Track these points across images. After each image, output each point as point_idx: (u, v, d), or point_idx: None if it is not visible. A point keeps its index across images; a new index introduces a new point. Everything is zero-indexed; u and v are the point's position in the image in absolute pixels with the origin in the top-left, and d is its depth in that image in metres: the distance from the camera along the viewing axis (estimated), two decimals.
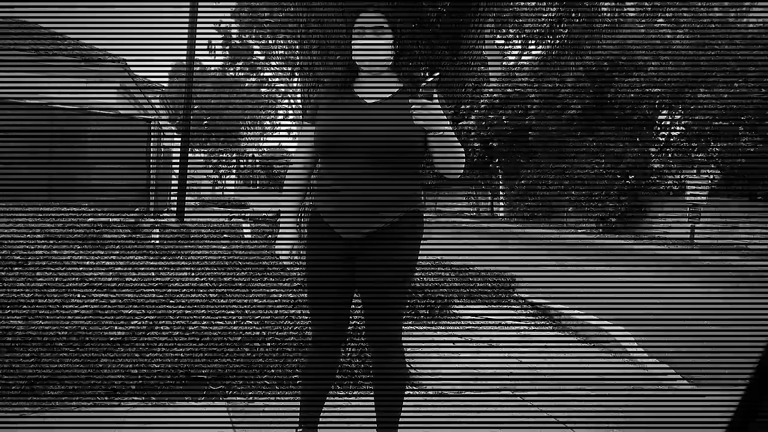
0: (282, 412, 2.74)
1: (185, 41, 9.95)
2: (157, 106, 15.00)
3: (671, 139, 17.31)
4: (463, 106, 19.06)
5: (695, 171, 15.71)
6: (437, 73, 1.93)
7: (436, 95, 1.94)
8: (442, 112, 1.93)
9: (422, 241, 2.13)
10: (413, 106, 1.89)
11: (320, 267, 2.11)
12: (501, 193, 21.80)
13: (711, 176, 15.40)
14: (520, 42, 21.03)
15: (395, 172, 2.01)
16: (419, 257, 2.14)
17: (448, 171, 2.07)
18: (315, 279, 2.12)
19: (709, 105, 15.15)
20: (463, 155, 2.07)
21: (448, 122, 2.03)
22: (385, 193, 2.00)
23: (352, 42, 2.05)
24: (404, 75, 2.11)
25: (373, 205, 1.99)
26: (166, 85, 22.92)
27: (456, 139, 2.03)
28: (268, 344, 3.25)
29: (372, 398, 2.23)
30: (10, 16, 13.17)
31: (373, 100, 2.07)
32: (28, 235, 5.37)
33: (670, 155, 17.20)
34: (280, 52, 25.12)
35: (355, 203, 1.99)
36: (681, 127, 16.93)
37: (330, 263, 2.08)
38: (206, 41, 28.69)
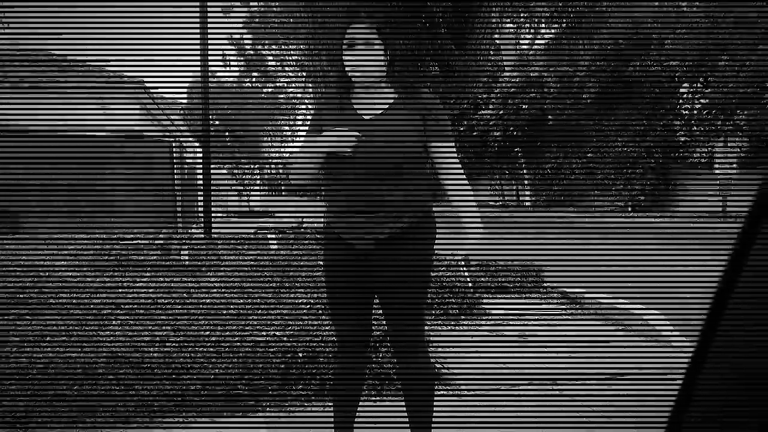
0: (318, 420, 2.78)
1: (199, 54, 10.08)
2: (178, 123, 15.20)
3: (695, 112, 16.98)
4: (479, 96, 18.95)
5: (723, 142, 15.39)
6: None
7: (436, 104, 2.00)
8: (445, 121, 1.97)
9: (447, 238, 2.15)
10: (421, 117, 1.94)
11: (338, 277, 2.13)
12: (525, 180, 21.62)
13: (740, 146, 15.08)
14: (532, 26, 20.83)
15: (401, 180, 2.02)
16: (437, 256, 2.16)
17: (447, 178, 2.11)
18: (335, 289, 2.16)
19: (732, 73, 14.83)
20: (462, 171, 2.10)
21: (450, 130, 2.08)
22: (395, 202, 2.02)
23: (344, 55, 2.06)
24: (399, 84, 2.11)
25: (384, 214, 2.02)
26: (185, 101, 23.22)
27: (454, 151, 2.08)
28: (300, 354, 3.29)
29: (402, 401, 2.26)
30: (28, 46, 13.48)
31: (371, 115, 2.09)
32: (60, 262, 5.50)
33: (695, 128, 16.88)
34: (293, 58, 25.26)
35: (365, 214, 2.02)
36: (704, 99, 16.59)
37: (347, 273, 2.11)
38: (220, 53, 29.02)
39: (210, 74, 10.22)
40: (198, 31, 10.05)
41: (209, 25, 10.09)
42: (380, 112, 2.09)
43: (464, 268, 2.05)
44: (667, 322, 4.37)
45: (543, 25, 20.47)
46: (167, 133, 13.52)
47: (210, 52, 9.96)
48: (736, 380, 0.53)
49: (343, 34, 2.06)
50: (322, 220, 2.22)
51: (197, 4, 10.07)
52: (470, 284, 1.86)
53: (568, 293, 5.49)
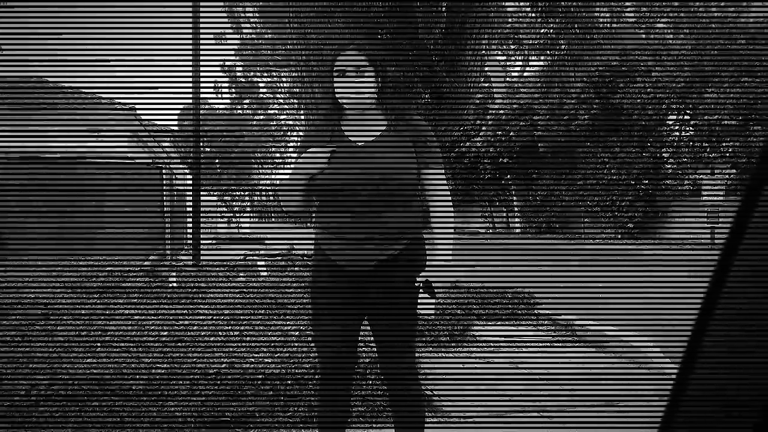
0: None
1: (190, 80, 10.13)
2: (168, 150, 15.21)
3: (682, 141, 17.21)
4: (470, 124, 19.12)
5: (710, 171, 15.57)
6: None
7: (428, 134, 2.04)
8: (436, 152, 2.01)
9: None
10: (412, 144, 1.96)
11: (327, 301, 2.11)
12: (515, 207, 21.72)
13: (726, 175, 15.25)
14: (520, 57, 21.15)
15: (393, 206, 2.02)
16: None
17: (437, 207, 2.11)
18: (321, 314, 2.13)
19: (718, 104, 15.07)
20: (450, 204, 2.10)
21: (440, 162, 2.09)
22: (386, 228, 2.01)
23: (334, 82, 2.07)
24: (390, 111, 2.12)
25: (376, 239, 2.00)
26: (175, 128, 23.26)
27: (444, 181, 2.09)
28: (289, 381, 3.24)
29: (393, 428, 2.22)
30: (20, 73, 13.50)
31: (363, 140, 2.09)
32: (47, 288, 5.43)
33: (682, 157, 17.08)
34: (285, 86, 25.45)
35: (358, 238, 2.01)
36: (690, 129, 16.83)
37: (336, 298, 2.09)
38: (212, 80, 29.20)
39: (201, 101, 10.25)
40: (190, 57, 10.12)
41: (201, 52, 10.16)
42: (371, 138, 2.09)
43: (421, 292, 2.03)
44: (657, 349, 4.36)
45: (532, 55, 20.78)
46: (157, 159, 13.51)
47: (202, 79, 10.00)
48: (729, 379, 0.53)
49: (334, 62, 2.07)
50: (312, 245, 2.21)
51: (190, 30, 10.16)
52: (427, 309, 1.84)
53: (558, 320, 5.47)
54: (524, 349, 4.56)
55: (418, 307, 2.05)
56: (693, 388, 0.56)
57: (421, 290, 2.06)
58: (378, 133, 2.10)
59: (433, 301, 2.07)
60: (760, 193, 0.53)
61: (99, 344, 3.75)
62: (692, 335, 0.56)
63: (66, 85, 13.34)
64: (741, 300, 0.53)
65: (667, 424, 0.58)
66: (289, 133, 28.41)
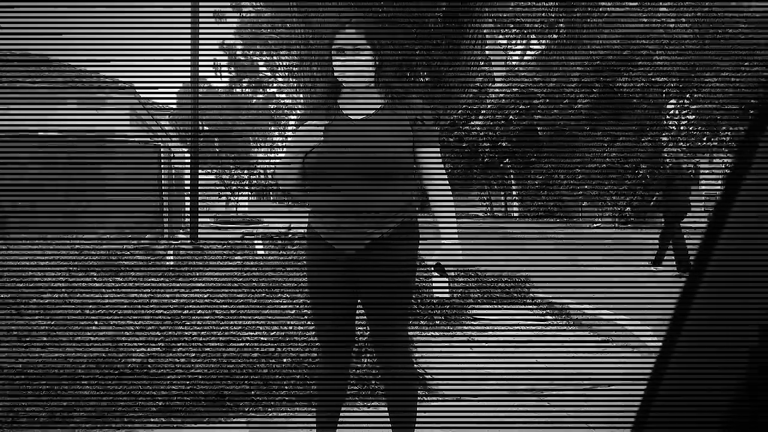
0: (301, 426, 2.77)
1: (189, 59, 10.07)
2: (167, 129, 15.15)
3: (681, 127, 17.17)
4: (468, 108, 19.06)
5: (708, 158, 15.57)
6: None
7: (424, 114, 2.05)
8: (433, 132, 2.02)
9: (424, 243, 2.16)
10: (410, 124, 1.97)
11: (321, 282, 2.13)
12: (514, 191, 21.73)
13: (724, 162, 15.26)
14: (522, 39, 21.02)
15: (386, 184, 2.03)
16: (420, 262, 2.17)
17: (433, 188, 2.13)
18: (318, 294, 2.16)
19: (718, 90, 15.02)
20: (448, 185, 2.11)
21: (437, 140, 2.10)
22: (379, 206, 2.02)
23: (333, 60, 2.08)
24: (387, 89, 2.13)
25: (369, 218, 2.02)
26: (174, 107, 23.14)
27: (440, 162, 2.10)
28: (284, 359, 3.28)
29: (385, 407, 2.25)
30: (18, 48, 13.40)
31: (359, 117, 2.10)
32: (45, 266, 5.45)
33: (681, 143, 17.06)
34: (284, 66, 25.29)
35: (350, 217, 2.02)
36: (691, 115, 16.79)
37: (331, 278, 2.11)
38: (211, 61, 29.01)
39: (200, 79, 10.21)
40: (189, 35, 10.05)
41: (200, 30, 10.09)
42: (368, 114, 2.10)
43: (435, 275, 2.05)
44: (652, 333, 4.40)
45: (533, 38, 20.66)
46: (155, 137, 13.47)
47: (201, 57, 9.97)
48: (700, 379, 0.54)
49: (333, 40, 2.08)
50: (306, 224, 2.22)
51: (188, 7, 10.07)
52: (441, 291, 1.87)
53: (553, 303, 5.51)
54: (519, 332, 4.60)
55: (433, 289, 2.08)
56: (666, 387, 0.57)
57: (434, 273, 2.08)
58: (374, 110, 2.11)
59: (446, 281, 2.09)
60: (738, 189, 0.54)
61: (96, 321, 3.78)
62: (667, 335, 0.57)
63: (64, 61, 13.26)
64: (716, 300, 0.54)
65: (640, 425, 0.59)
66: (288, 112, 28.30)
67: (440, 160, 2.14)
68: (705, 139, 16.05)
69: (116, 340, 3.45)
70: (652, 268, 8.52)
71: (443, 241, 2.10)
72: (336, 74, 2.09)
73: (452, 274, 5.36)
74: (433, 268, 2.08)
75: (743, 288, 0.52)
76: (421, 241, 2.17)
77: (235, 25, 25.79)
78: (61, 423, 2.80)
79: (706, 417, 0.53)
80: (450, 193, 2.15)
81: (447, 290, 2.10)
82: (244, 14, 24.48)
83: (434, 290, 2.09)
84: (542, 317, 5.09)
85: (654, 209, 8.71)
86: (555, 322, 5.00)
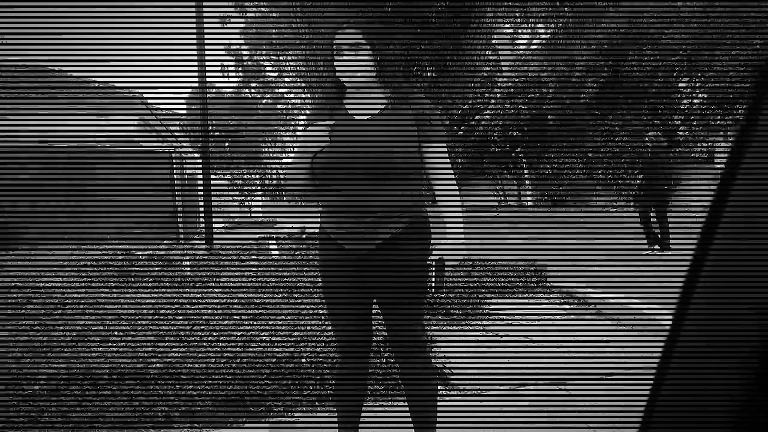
0: (323, 424, 2.78)
1: (196, 64, 10.13)
2: (177, 135, 15.24)
3: (694, 107, 16.98)
4: (476, 99, 18.98)
5: (722, 137, 15.39)
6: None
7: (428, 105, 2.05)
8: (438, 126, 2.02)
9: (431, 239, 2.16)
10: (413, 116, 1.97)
11: (335, 283, 2.14)
12: (527, 180, 21.62)
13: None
14: (528, 26, 20.87)
15: (395, 184, 2.03)
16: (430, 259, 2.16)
17: (439, 181, 2.12)
18: (332, 296, 2.16)
19: (729, 68, 14.83)
20: (451, 172, 2.11)
21: (443, 135, 2.10)
22: (388, 205, 2.02)
23: (334, 60, 2.09)
24: (390, 87, 2.13)
25: (379, 218, 2.02)
26: (184, 112, 23.27)
27: (446, 156, 2.09)
28: (304, 361, 3.29)
29: (406, 405, 2.25)
30: (26, 61, 13.54)
31: (364, 116, 2.10)
32: (63, 277, 5.51)
33: (694, 124, 16.87)
34: (291, 67, 25.34)
35: (361, 217, 2.02)
36: (703, 94, 16.58)
37: (344, 279, 2.11)
38: (219, 65, 29.12)
39: (208, 84, 10.26)
40: (195, 41, 10.10)
41: (206, 35, 10.13)
42: (373, 114, 2.10)
43: (435, 270, 2.05)
44: (667, 317, 4.36)
45: (539, 25, 20.50)
46: (166, 144, 13.56)
47: (207, 62, 10.01)
48: (706, 374, 0.54)
49: (333, 40, 2.08)
50: (317, 223, 2.23)
51: (193, 12, 10.10)
52: (441, 290, 1.88)
53: (571, 292, 5.48)
54: (537, 322, 4.57)
55: (431, 284, 2.08)
56: (670, 386, 0.57)
57: (433, 269, 2.08)
58: (378, 110, 2.11)
59: (442, 277, 2.09)
60: (733, 184, 0.53)
61: (114, 330, 3.81)
62: (669, 333, 0.57)
63: (74, 73, 13.38)
64: (717, 296, 0.54)
65: (646, 425, 0.59)
66: (296, 113, 28.34)
67: (447, 158, 2.13)
68: (718, 118, 15.85)
69: (135, 347, 3.48)
70: (658, 251, 8.59)
71: (448, 239, 2.10)
72: (338, 74, 2.09)
73: (451, 271, 5.34)
74: (434, 264, 2.08)
75: (747, 284, 0.52)
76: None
77: (240, 28, 25.87)
78: (80, 429, 2.84)
79: (712, 417, 0.53)
80: (457, 190, 2.14)
81: (442, 287, 2.11)
82: (248, 16, 24.55)
83: (433, 287, 2.10)
84: (561, 307, 5.06)
85: (638, 192, 8.86)
86: (574, 312, 4.96)
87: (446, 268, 2.09)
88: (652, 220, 8.66)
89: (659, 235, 8.59)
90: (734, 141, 0.54)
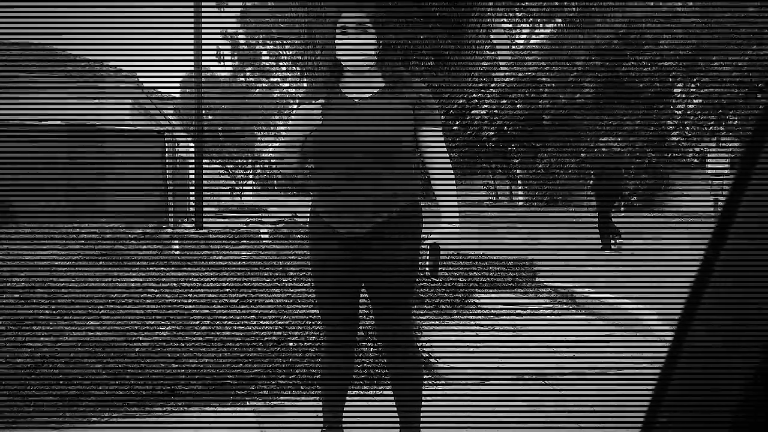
0: (307, 413, 2.77)
1: (193, 49, 10.05)
2: (170, 117, 15.14)
3: (688, 112, 17.06)
4: (473, 94, 18.98)
5: (715, 142, 15.47)
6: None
7: (426, 93, 2.03)
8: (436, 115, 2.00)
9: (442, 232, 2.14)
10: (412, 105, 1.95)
11: (325, 267, 2.11)
12: (519, 179, 21.66)
13: (732, 146, 15.15)
14: (527, 24, 20.87)
15: (389, 167, 2.01)
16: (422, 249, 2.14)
17: (436, 173, 2.10)
18: (321, 279, 2.13)
19: (723, 74, 14.90)
20: (450, 167, 2.09)
21: (440, 126, 2.09)
22: (382, 188, 2.00)
23: (336, 40, 2.05)
24: (390, 72, 2.10)
25: (372, 201, 2.00)
26: (177, 94, 23.12)
27: (444, 146, 2.08)
28: (291, 345, 3.27)
29: (391, 393, 2.24)
30: (19, 39, 13.38)
31: (361, 98, 2.08)
32: (50, 254, 5.46)
33: (688, 128, 16.96)
34: (287, 53, 25.23)
35: (354, 200, 2.00)
36: (697, 99, 16.66)
37: (334, 262, 2.09)
38: (214, 48, 28.95)
39: (203, 70, 10.19)
40: (192, 26, 10.03)
41: (203, 21, 10.06)
42: (369, 95, 2.07)
43: (430, 254, 2.04)
44: (659, 320, 4.38)
45: (538, 23, 20.50)
46: (160, 128, 13.47)
47: (204, 48, 9.95)
48: (709, 378, 0.54)
49: (336, 20, 2.05)
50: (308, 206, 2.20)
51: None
52: (432, 271, 1.87)
53: (560, 290, 5.49)
54: (524, 317, 4.58)
55: (423, 268, 2.07)
56: (674, 386, 0.57)
57: (427, 252, 2.06)
58: (376, 92, 2.08)
59: (437, 261, 2.08)
60: (747, 185, 0.53)
61: (102, 309, 3.78)
62: (676, 333, 0.57)
63: (69, 51, 13.25)
64: (725, 297, 0.53)
65: (649, 425, 0.59)
66: (291, 100, 28.24)
67: (442, 140, 2.11)
68: (712, 124, 15.94)
69: (124, 325, 3.45)
70: (614, 246, 8.85)
71: (443, 222, 2.08)
72: (339, 54, 2.06)
73: (446, 255, 5.33)
74: (428, 247, 2.06)
75: (753, 285, 0.51)
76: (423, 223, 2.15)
77: (237, 13, 25.70)
78: (67, 407, 2.81)
79: (715, 417, 0.53)
80: (452, 173, 2.12)
81: (437, 271, 2.09)
82: (246, 2, 24.40)
83: (426, 269, 2.08)
84: (550, 304, 5.07)
85: (588, 192, 9.24)
86: (562, 308, 4.98)
87: (440, 253, 2.08)
88: (605, 218, 8.95)
89: (610, 233, 8.87)
90: (749, 141, 0.53)
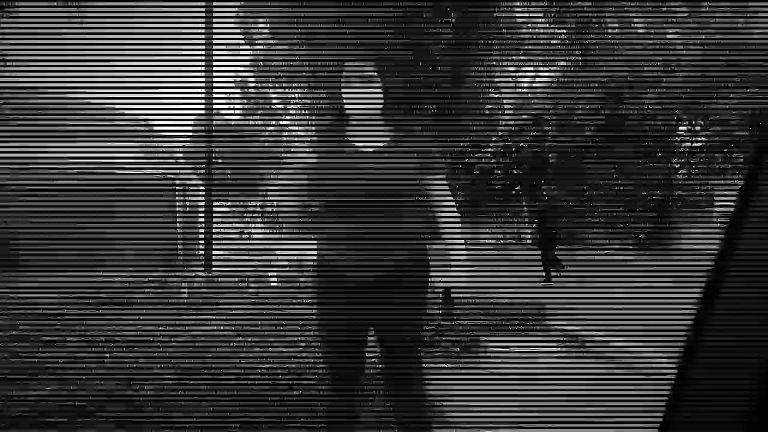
0: None
1: (203, 96, 10.25)
2: (181, 162, 15.33)
3: (693, 151, 17.11)
4: (478, 135, 19.12)
5: (721, 181, 15.48)
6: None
7: (429, 141, 2.09)
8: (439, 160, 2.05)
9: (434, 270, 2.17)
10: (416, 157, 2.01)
11: (332, 312, 2.13)
12: (526, 218, 21.65)
13: (739, 185, 15.13)
14: (532, 65, 21.14)
15: (397, 215, 2.05)
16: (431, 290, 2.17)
17: (442, 215, 2.14)
18: (328, 324, 2.15)
19: (727, 113, 15.00)
20: (454, 206, 2.13)
21: (444, 172, 2.13)
22: (390, 235, 2.04)
23: (342, 90, 2.10)
24: (395, 121, 2.16)
25: (380, 247, 2.03)
26: (188, 140, 23.44)
27: (449, 193, 2.12)
28: (296, 392, 3.27)
29: None
30: (32, 85, 13.67)
31: (368, 147, 2.12)
32: (61, 299, 5.50)
33: (694, 167, 16.99)
34: (296, 99, 25.60)
35: (361, 246, 2.03)
36: (702, 138, 16.73)
37: (341, 308, 2.11)
38: (225, 94, 29.43)
39: (214, 114, 10.38)
40: (203, 70, 10.24)
41: (214, 64, 10.28)
42: (375, 146, 2.12)
43: (442, 299, 2.07)
44: (668, 362, 4.33)
45: (541, 66, 20.78)
46: (169, 173, 13.62)
47: (214, 92, 10.14)
48: (721, 379, 0.55)
49: (342, 70, 2.10)
50: (317, 254, 2.22)
51: (203, 44, 10.25)
52: (447, 317, 1.89)
53: (569, 332, 5.45)
54: (533, 360, 4.55)
55: (440, 315, 2.10)
56: (691, 388, 0.58)
57: (441, 300, 2.09)
58: (382, 142, 2.13)
59: (452, 307, 2.10)
60: (756, 192, 0.55)
61: (108, 354, 3.80)
62: (690, 336, 0.58)
63: (80, 97, 13.52)
64: (737, 300, 0.55)
65: (666, 426, 0.60)
66: (299, 144, 28.47)
67: (447, 188, 2.16)
68: (716, 163, 15.97)
69: (129, 372, 3.46)
70: (555, 273, 10.17)
71: (453, 267, 2.11)
72: (344, 104, 2.11)
73: (459, 299, 5.33)
74: (441, 294, 2.09)
75: (764, 290, 0.53)
76: (431, 268, 2.18)
77: (247, 59, 26.20)
78: None
79: (729, 419, 0.54)
80: (459, 219, 2.16)
81: (450, 315, 2.12)
82: (256, 48, 24.91)
83: (441, 316, 2.11)
84: (556, 345, 5.03)
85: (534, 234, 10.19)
86: (570, 351, 4.94)
87: (453, 297, 2.10)
88: (548, 254, 10.14)
89: (553, 263, 10.10)
90: (755, 153, 0.56)
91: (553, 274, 10.19)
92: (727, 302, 0.56)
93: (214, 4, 10.53)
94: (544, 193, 10.74)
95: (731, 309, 0.56)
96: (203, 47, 10.25)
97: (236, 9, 24.37)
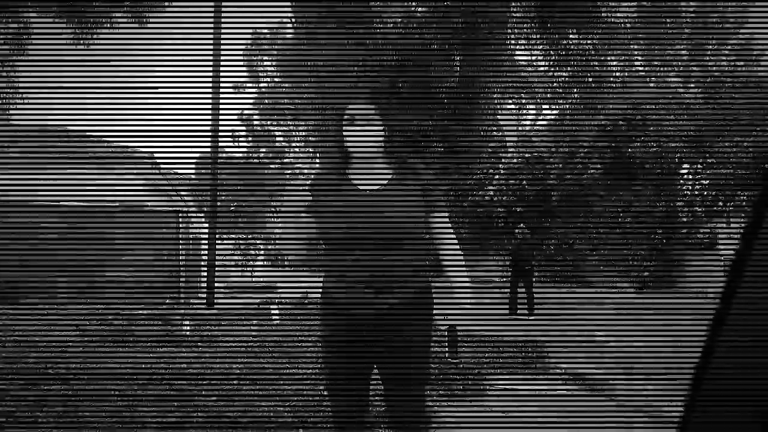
0: None
1: (210, 130, 10.38)
2: (185, 197, 15.41)
3: (696, 192, 17.17)
4: (481, 174, 19.25)
5: (725, 222, 15.49)
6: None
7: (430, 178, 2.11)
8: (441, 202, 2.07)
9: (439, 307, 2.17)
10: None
11: (337, 347, 2.13)
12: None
13: (742, 225, 15.14)
14: (533, 106, 21.39)
15: (402, 252, 2.06)
16: (435, 327, 2.16)
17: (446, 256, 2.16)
18: (332, 359, 2.14)
19: (731, 154, 15.10)
20: (458, 247, 2.14)
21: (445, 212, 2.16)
22: (394, 271, 2.04)
23: (343, 130, 2.12)
24: (397, 160, 2.17)
25: (384, 284, 2.04)
26: (193, 174, 23.60)
27: (451, 231, 2.14)
28: (300, 429, 3.23)
29: None
30: (38, 121, 13.84)
31: (371, 188, 2.13)
32: (62, 334, 5.47)
33: (697, 208, 17.02)
34: (301, 135, 25.87)
35: (365, 284, 2.04)
36: (705, 180, 16.80)
37: (347, 344, 2.11)
38: (230, 130, 29.77)
39: (219, 148, 10.50)
40: (209, 106, 10.39)
41: (221, 102, 10.43)
42: (379, 186, 2.14)
43: (448, 337, 2.07)
44: (675, 402, 4.28)
45: (545, 105, 21.01)
46: (173, 206, 13.68)
47: (220, 125, 10.27)
48: (739, 380, 0.56)
49: (344, 110, 2.14)
50: (320, 289, 2.23)
51: (209, 81, 10.42)
52: (452, 355, 1.90)
53: (573, 372, 5.40)
54: (537, 402, 4.49)
55: (446, 353, 2.09)
56: (707, 389, 0.58)
57: (446, 337, 2.09)
58: (384, 181, 2.15)
59: (457, 344, 2.10)
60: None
61: (114, 391, 3.77)
62: (707, 338, 0.59)
63: (85, 134, 13.67)
64: (754, 303, 0.56)
65: (684, 425, 0.60)
66: (303, 179, 28.68)
67: (449, 224, 2.17)
68: (720, 204, 16.01)
69: (131, 406, 3.43)
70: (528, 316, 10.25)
71: (456, 304, 2.11)
72: (346, 145, 2.13)
73: (462, 338, 5.31)
74: (446, 332, 2.09)
75: None
76: (435, 306, 2.18)
77: (253, 95, 26.59)
78: None
79: (746, 419, 0.54)
80: (462, 256, 2.17)
81: (456, 351, 2.11)
82: (261, 85, 25.28)
83: (446, 353, 2.10)
84: (560, 386, 4.98)
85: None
86: (576, 392, 4.88)
87: (458, 334, 2.10)
88: (518, 290, 10.53)
89: (525, 302, 10.42)
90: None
91: (520, 310, 10.45)
92: (745, 302, 0.57)
93: (222, 39, 10.71)
94: (518, 231, 11.01)
95: (748, 309, 0.57)
96: (209, 81, 10.42)
97: (242, 47, 24.83)
